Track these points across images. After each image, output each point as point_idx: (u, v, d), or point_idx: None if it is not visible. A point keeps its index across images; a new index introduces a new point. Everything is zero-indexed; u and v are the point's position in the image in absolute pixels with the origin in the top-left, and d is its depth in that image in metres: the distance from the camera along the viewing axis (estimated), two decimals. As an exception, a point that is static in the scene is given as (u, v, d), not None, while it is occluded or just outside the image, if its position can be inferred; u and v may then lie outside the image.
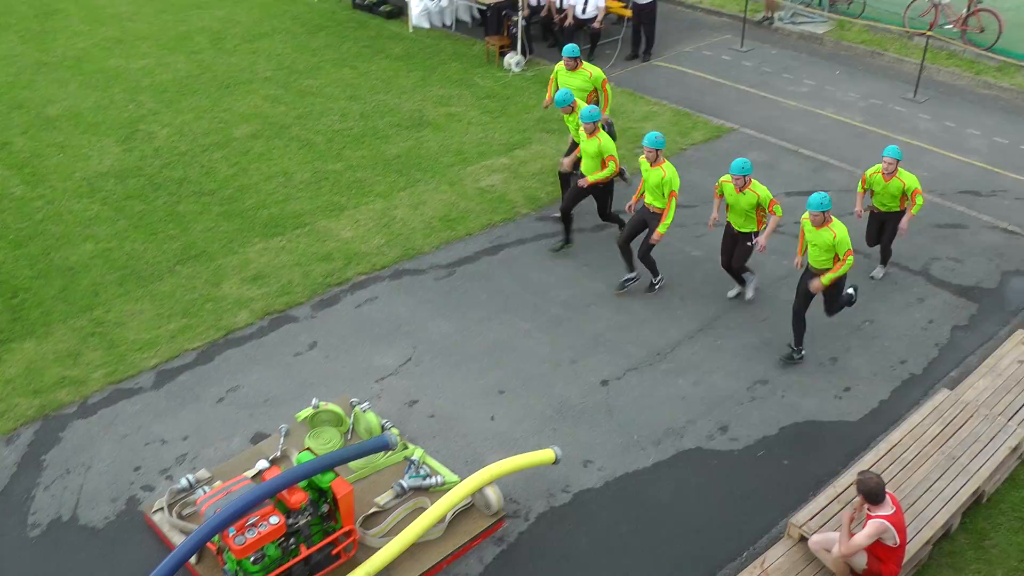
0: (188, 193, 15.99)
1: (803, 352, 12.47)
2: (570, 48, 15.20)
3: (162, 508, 10.16)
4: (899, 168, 13.20)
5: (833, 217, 11.70)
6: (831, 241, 11.65)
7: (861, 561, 9.06)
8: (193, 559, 9.61)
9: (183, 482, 10.30)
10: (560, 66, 15.38)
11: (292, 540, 9.34)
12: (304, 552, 9.28)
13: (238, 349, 12.52)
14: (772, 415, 11.68)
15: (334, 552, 9.46)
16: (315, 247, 14.47)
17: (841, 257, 11.69)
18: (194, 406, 11.55)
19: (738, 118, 18.76)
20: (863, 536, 8.86)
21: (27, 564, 9.96)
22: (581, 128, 13.74)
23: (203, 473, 10.49)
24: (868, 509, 8.93)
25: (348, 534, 9.53)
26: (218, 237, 14.76)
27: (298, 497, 9.21)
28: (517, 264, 14.28)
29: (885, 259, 14.15)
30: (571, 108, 14.21)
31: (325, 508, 9.57)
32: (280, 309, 13.16)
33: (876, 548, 8.94)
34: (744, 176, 12.49)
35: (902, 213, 13.47)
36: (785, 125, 18.56)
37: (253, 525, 8.91)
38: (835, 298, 12.36)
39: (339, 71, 20.67)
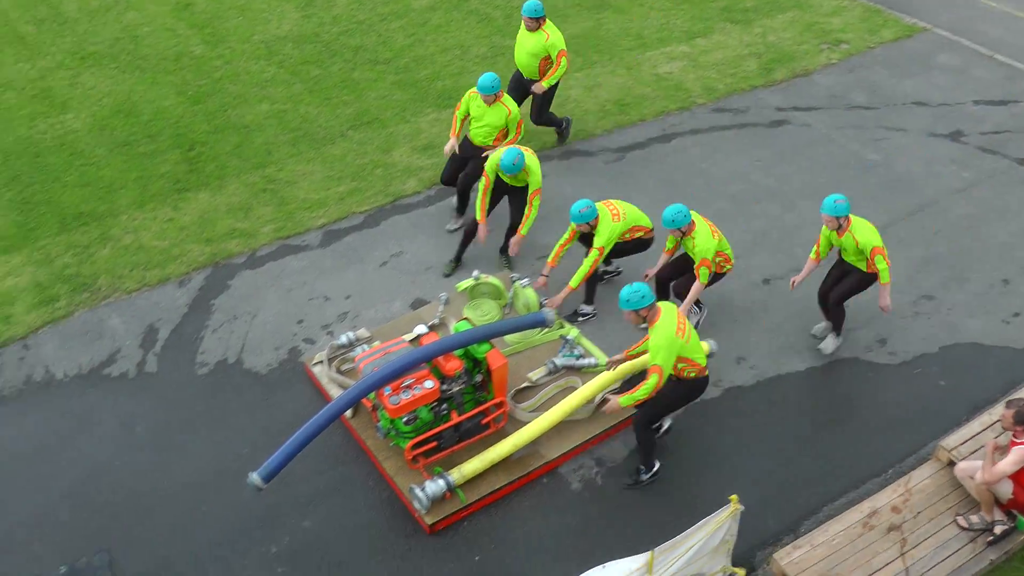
0: (363, 61, 16.11)
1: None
2: (531, 5, 12.97)
3: (322, 361, 10.50)
4: (851, 220, 10.22)
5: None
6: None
7: (1006, 490, 8.75)
8: (348, 413, 9.95)
9: (343, 339, 10.61)
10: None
11: (444, 406, 9.55)
12: (455, 419, 9.49)
13: (404, 216, 12.72)
14: (934, 333, 11.28)
15: (484, 422, 9.65)
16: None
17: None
18: (358, 267, 11.81)
19: (932, 17, 17.74)
20: (1007, 463, 8.54)
21: (194, 398, 10.61)
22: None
23: (363, 332, 10.78)
24: (1014, 436, 8.60)
25: (499, 405, 9.69)
26: (391, 105, 14.88)
27: (453, 364, 9.38)
28: (689, 153, 14.00)
29: (837, 324, 10.96)
30: (495, 97, 12.19)
31: (479, 378, 9.74)
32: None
33: (1022, 476, 8.64)
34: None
35: (872, 274, 10.45)
36: (982, 27, 17.49)
37: (408, 387, 9.15)
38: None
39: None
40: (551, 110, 13.81)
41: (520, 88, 13.44)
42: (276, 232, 12.64)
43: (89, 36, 17.39)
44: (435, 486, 9.08)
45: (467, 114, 12.33)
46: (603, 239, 10.61)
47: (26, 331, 11.61)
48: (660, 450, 9.72)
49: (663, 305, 9.13)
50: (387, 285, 11.70)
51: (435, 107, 14.81)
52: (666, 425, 9.92)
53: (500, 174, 11.48)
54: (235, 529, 9.34)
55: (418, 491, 9.03)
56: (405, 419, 9.29)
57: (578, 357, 10.47)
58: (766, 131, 14.48)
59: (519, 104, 13.01)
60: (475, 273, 11.09)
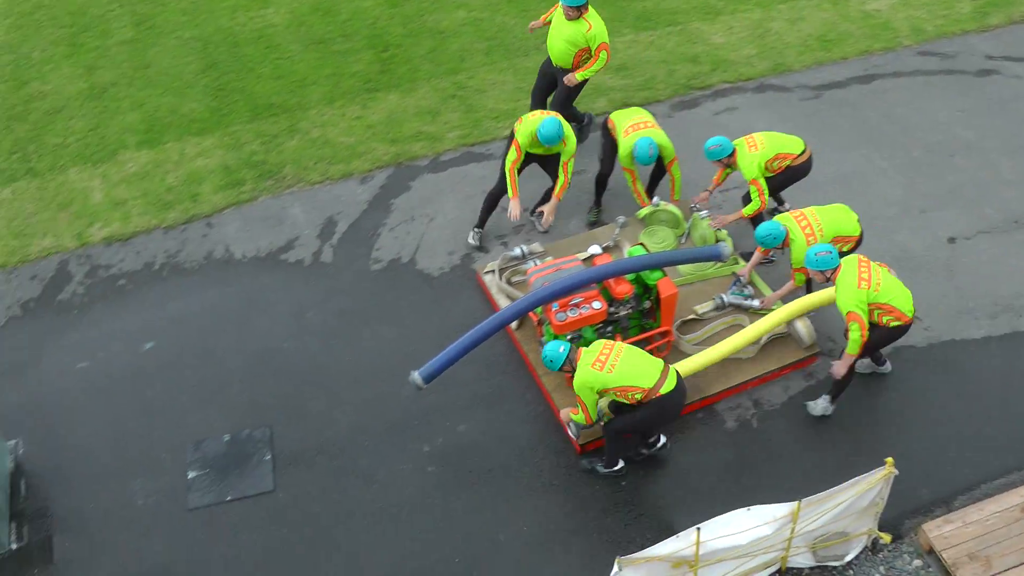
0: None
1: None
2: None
3: (493, 271, 10.57)
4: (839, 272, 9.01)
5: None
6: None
7: None
8: (514, 324, 10.01)
9: (516, 251, 10.64)
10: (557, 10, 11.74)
11: (610, 328, 9.52)
12: (618, 342, 9.42)
13: (591, 135, 12.57)
14: None
15: (647, 349, 9.50)
16: (684, 47, 14.09)
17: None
18: (539, 182, 11.68)
19: None
20: None
21: (366, 292, 10.93)
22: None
23: (536, 247, 10.79)
24: None
25: (664, 334, 9.59)
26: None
27: (624, 288, 9.30)
28: (888, 97, 13.34)
29: (838, 387, 9.45)
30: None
31: (647, 305, 9.64)
32: (638, 103, 12.95)
33: None
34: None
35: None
36: None
37: (576, 306, 9.12)
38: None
39: None
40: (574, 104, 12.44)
41: (548, 77, 12.01)
42: (461, 138, 12.72)
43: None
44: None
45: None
46: (749, 172, 10.27)
47: (211, 210, 12.10)
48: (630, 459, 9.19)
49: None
50: (566, 202, 11.58)
51: (632, 28, 14.49)
52: (662, 441, 9.23)
53: (533, 145, 10.74)
54: (391, 423, 9.58)
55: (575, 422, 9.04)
56: (569, 336, 9.28)
57: (747, 297, 10.23)
58: (972, 80, 13.65)
59: (546, 95, 12.09)
60: (655, 200, 10.93)
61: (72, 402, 10.11)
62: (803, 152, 10.55)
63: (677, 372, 8.66)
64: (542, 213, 11.05)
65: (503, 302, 10.26)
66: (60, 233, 12.10)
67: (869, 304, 8.72)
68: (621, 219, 10.96)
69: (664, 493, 8.98)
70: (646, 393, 8.40)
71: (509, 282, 10.51)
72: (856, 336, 8.68)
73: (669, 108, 12.95)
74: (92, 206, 12.43)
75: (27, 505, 9.30)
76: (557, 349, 8.51)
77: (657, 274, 9.44)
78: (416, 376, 8.75)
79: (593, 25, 11.35)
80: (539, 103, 12.09)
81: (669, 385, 8.45)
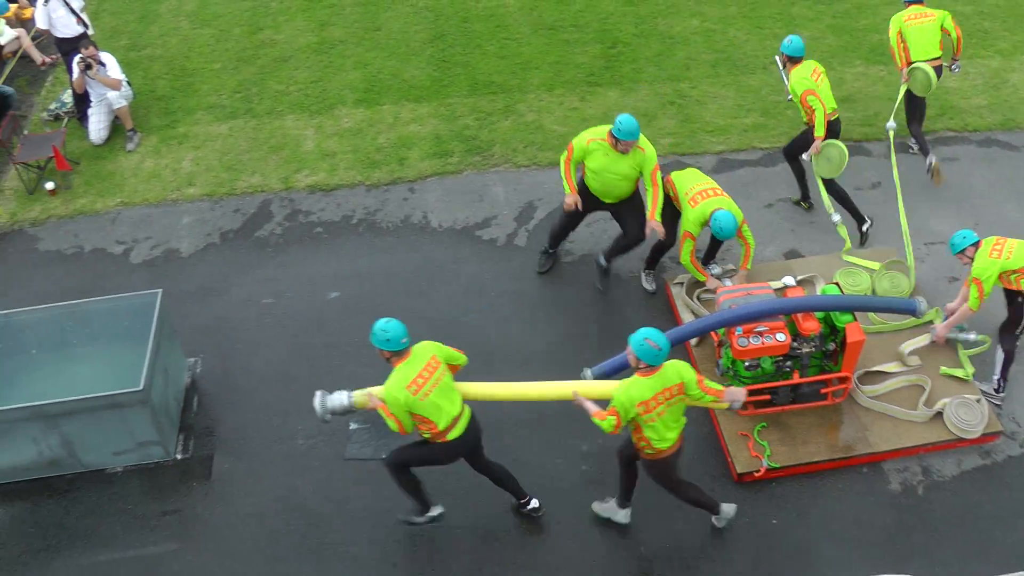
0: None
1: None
2: (630, 125, 9.76)
3: (682, 284, 10.39)
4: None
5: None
6: None
7: None
8: (694, 340, 9.82)
9: (715, 269, 10.45)
10: (597, 140, 10.06)
11: (789, 363, 9.24)
12: (795, 379, 9.15)
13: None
14: None
15: (823, 391, 9.25)
16: (912, 88, 13.58)
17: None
18: (742, 202, 11.36)
19: None
20: None
21: (554, 280, 11.04)
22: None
23: (731, 267, 10.56)
24: None
25: (843, 380, 9.24)
26: (821, 48, 14.23)
27: (811, 325, 9.01)
28: None
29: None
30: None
31: (831, 347, 9.30)
32: (857, 138, 12.55)
33: None
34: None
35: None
36: None
37: (760, 334, 8.89)
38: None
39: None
40: None
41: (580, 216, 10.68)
42: (673, 147, 12.57)
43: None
44: (338, 398, 8.28)
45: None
46: (976, 272, 9.20)
47: (415, 176, 12.34)
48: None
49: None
50: (767, 227, 11.36)
51: (864, 60, 14.04)
52: (534, 504, 8.80)
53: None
54: (552, 414, 9.50)
55: (321, 397, 8.27)
56: (747, 364, 9.06)
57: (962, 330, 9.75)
58: None
59: (573, 228, 10.88)
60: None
61: (252, 333, 10.48)
62: None
63: (472, 416, 8.20)
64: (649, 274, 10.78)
65: (686, 316, 10.08)
66: (268, 174, 12.54)
67: (1002, 272, 9.00)
68: (789, 279, 10.46)
69: (812, 540, 8.63)
70: (435, 434, 7.99)
71: (696, 298, 10.31)
72: (974, 294, 9.08)
73: (887, 149, 12.44)
74: (302, 153, 12.83)
75: (196, 421, 9.72)
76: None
77: (847, 317, 9.10)
78: (588, 373, 8.69)
79: (646, 148, 10.08)
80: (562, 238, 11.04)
81: (458, 430, 8.04)
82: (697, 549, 8.59)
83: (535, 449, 9.31)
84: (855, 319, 9.11)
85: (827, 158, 10.90)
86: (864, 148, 12.46)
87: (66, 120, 13.81)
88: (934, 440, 9.19)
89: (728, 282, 10.21)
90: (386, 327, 7.81)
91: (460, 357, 8.28)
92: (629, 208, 10.35)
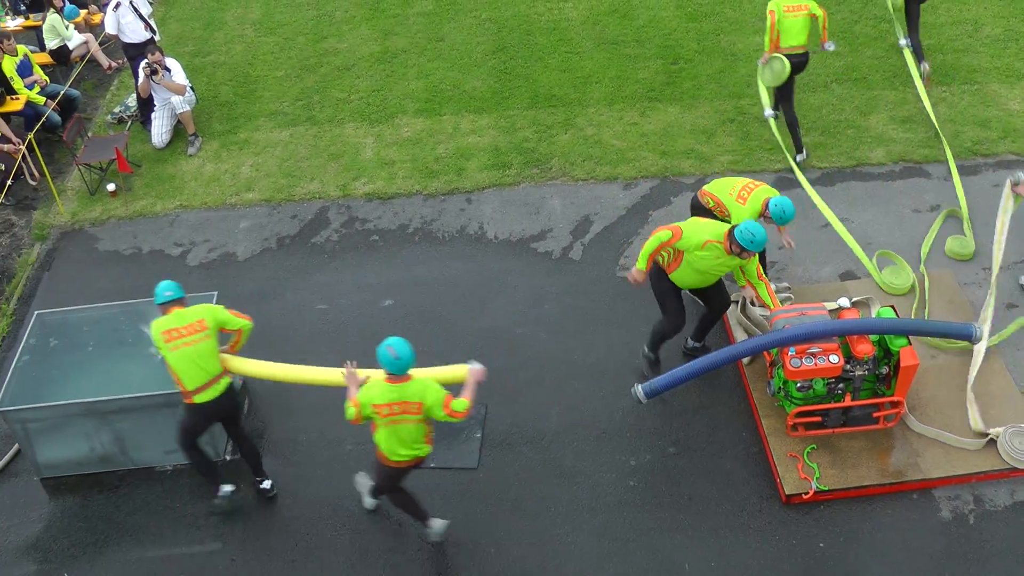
0: (869, 16, 15.30)
1: None
2: (762, 237, 9.01)
3: (737, 302, 10.33)
4: None
5: None
6: None
7: None
8: (746, 359, 9.77)
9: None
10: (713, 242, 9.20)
11: (841, 385, 9.15)
12: (847, 402, 9.08)
13: (861, 184, 12.12)
14: None
15: (875, 415, 9.16)
16: (976, 109, 13.33)
17: None
18: (800, 221, 11.36)
19: None
20: None
21: (608, 294, 10.97)
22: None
23: (784, 285, 10.49)
24: None
25: (895, 404, 9.13)
26: (884, 68, 14.08)
27: (865, 348, 8.92)
28: None
29: None
30: None
31: (884, 370, 9.20)
32: (917, 160, 12.43)
33: None
34: None
35: None
36: None
37: (814, 355, 8.83)
38: None
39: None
40: None
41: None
42: (731, 163, 12.51)
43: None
44: None
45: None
46: None
47: (473, 187, 12.41)
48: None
49: None
50: (824, 248, 11.26)
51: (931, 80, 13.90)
52: (266, 484, 9.21)
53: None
54: (602, 429, 9.53)
55: None
56: (799, 385, 9.00)
57: None
58: None
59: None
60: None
61: (305, 338, 10.61)
62: None
63: (231, 387, 8.63)
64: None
65: (739, 334, 10.03)
66: (326, 181, 12.69)
67: None
68: (844, 300, 10.27)
69: (860, 565, 8.49)
70: (184, 393, 8.43)
71: (749, 317, 10.25)
72: None
73: (947, 171, 12.30)
74: (361, 161, 12.96)
75: (246, 423, 9.79)
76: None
77: (902, 341, 9.00)
78: (639, 390, 8.71)
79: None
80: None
81: (208, 395, 8.44)
82: (742, 568, 8.52)
83: (583, 460, 9.31)
84: (910, 343, 9.01)
85: (771, 68, 11.97)
86: (923, 170, 12.31)
87: (129, 123, 14.09)
88: (987, 469, 9.03)
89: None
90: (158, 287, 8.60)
91: (237, 322, 8.71)
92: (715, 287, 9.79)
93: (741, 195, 9.80)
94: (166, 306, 8.58)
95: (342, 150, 13.22)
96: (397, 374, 7.79)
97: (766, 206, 9.62)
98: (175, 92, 13.23)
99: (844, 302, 9.79)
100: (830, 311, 9.54)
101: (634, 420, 9.56)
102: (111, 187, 12.79)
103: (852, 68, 14.13)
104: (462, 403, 7.92)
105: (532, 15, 15.73)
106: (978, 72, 14.00)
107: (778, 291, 10.42)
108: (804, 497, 8.86)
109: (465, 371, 8.38)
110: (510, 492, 9.08)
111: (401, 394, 7.78)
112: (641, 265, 9.24)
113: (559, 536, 8.78)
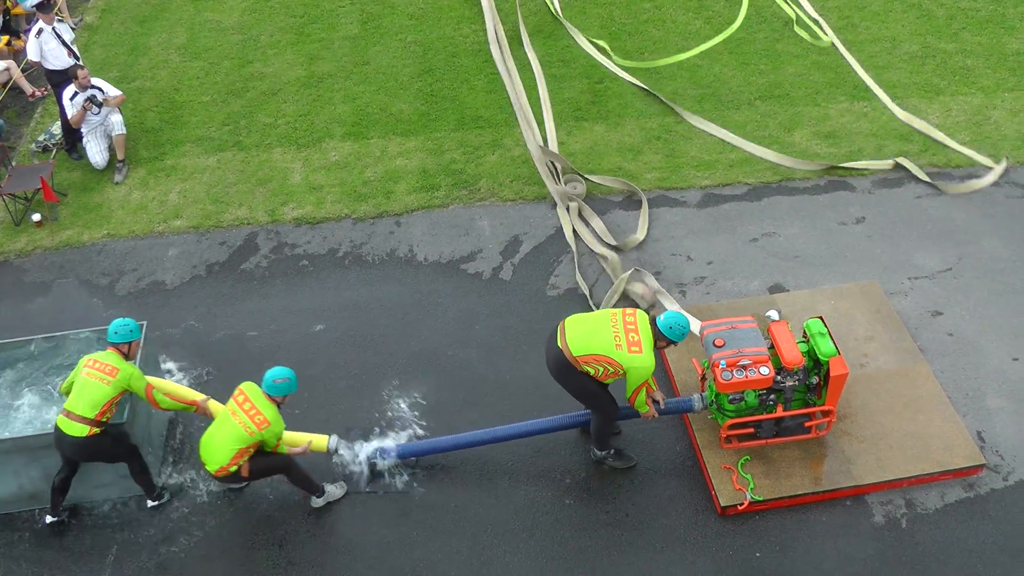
0: (791, 34, 15.58)
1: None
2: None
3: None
4: None
5: None
6: None
7: None
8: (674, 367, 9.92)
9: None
10: None
11: (772, 397, 9.22)
12: (779, 412, 9.15)
13: (788, 198, 12.30)
14: None
15: (807, 424, 9.26)
16: (897, 123, 13.61)
17: None
18: (728, 236, 11.60)
19: None
20: None
21: (539, 315, 10.94)
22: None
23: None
24: None
25: (827, 413, 9.24)
26: (805, 84, 14.37)
27: (795, 358, 9.00)
28: None
29: None
30: None
31: (814, 380, 9.31)
32: (841, 174, 12.66)
33: None
34: None
35: None
36: None
37: (744, 367, 8.88)
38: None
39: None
40: None
41: None
42: (658, 181, 12.62)
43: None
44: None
45: None
46: None
47: (402, 209, 12.39)
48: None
49: None
50: (752, 262, 11.40)
51: (849, 97, 14.13)
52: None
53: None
54: (537, 448, 9.54)
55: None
56: (731, 397, 9.06)
57: None
58: None
59: None
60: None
61: (236, 366, 10.43)
62: None
63: (87, 440, 8.63)
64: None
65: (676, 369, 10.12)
66: (255, 207, 12.58)
67: None
68: (773, 313, 10.40)
69: (798, 573, 8.58)
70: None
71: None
72: None
73: (871, 184, 12.53)
74: (289, 186, 12.87)
75: (179, 453, 9.75)
76: None
77: (831, 350, 9.11)
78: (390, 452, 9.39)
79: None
80: None
81: (66, 426, 8.57)
82: (681, 581, 8.57)
83: (520, 481, 9.32)
84: (838, 352, 9.13)
85: None
86: (848, 183, 12.52)
87: (55, 152, 13.84)
88: (918, 473, 9.20)
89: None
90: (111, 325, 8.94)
91: (141, 394, 8.90)
92: None
93: (621, 344, 8.56)
94: (113, 345, 8.85)
95: (270, 175, 13.11)
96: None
97: (658, 333, 8.68)
98: (119, 103, 13.25)
99: (773, 315, 9.88)
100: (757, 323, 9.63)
101: (568, 438, 9.57)
102: (36, 217, 12.55)
103: (775, 85, 14.35)
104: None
105: (457, 37, 15.76)
106: (898, 87, 14.30)
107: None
108: (739, 508, 8.93)
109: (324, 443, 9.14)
110: (447, 514, 9.04)
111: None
112: (643, 408, 8.98)
113: (496, 557, 8.75)
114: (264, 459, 8.77)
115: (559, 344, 8.69)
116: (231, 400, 8.68)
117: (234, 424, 8.53)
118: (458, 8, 16.54)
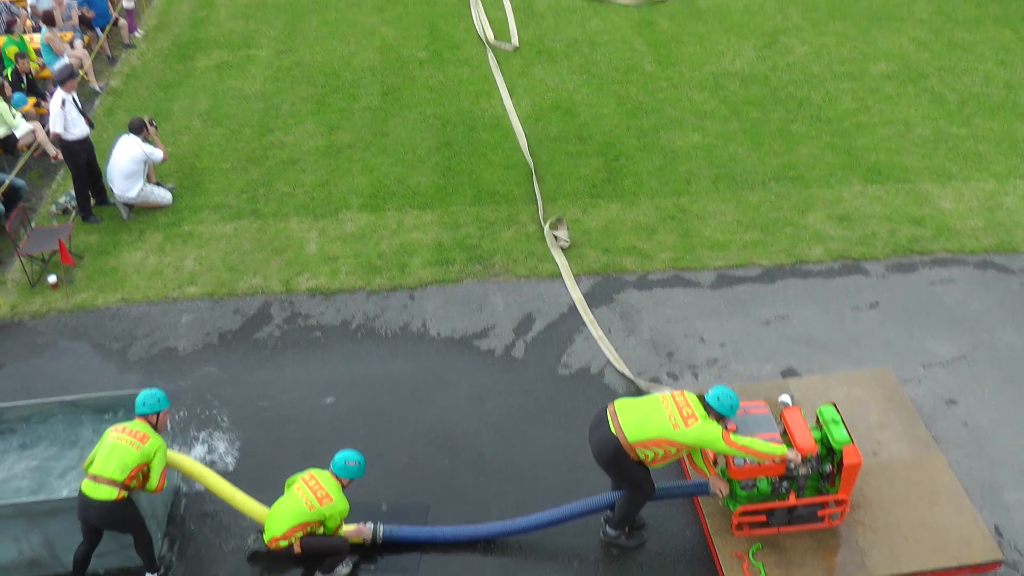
0: (805, 115, 15.79)
1: None
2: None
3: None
4: None
5: None
6: None
7: None
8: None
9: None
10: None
11: (785, 484, 9.15)
12: (792, 500, 9.06)
13: (801, 281, 12.33)
14: None
15: (820, 513, 9.15)
16: (910, 207, 13.70)
17: None
18: (741, 319, 11.59)
19: None
20: None
21: (550, 393, 10.93)
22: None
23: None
24: None
25: (840, 502, 9.15)
26: (819, 166, 14.48)
27: (808, 445, 8.95)
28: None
29: None
30: None
31: (828, 468, 9.24)
32: (854, 257, 12.71)
33: None
34: None
35: None
36: None
37: (756, 453, 8.83)
38: None
39: (999, 30, 18.92)
40: None
41: None
42: (672, 261, 12.67)
43: (550, 33, 18.40)
44: None
45: None
46: None
47: (416, 283, 12.42)
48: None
49: None
50: (764, 344, 11.40)
51: (862, 179, 14.23)
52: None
53: None
54: (548, 529, 9.37)
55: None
56: (743, 483, 9.01)
57: None
58: None
59: None
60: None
61: (243, 435, 10.44)
62: None
63: (115, 504, 8.57)
64: None
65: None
66: (269, 275, 12.62)
67: None
68: (786, 398, 10.40)
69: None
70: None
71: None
72: None
73: (884, 269, 12.56)
74: (305, 256, 12.93)
75: (182, 523, 9.65)
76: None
77: (845, 437, 9.06)
78: (380, 529, 9.27)
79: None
80: None
81: (91, 490, 8.53)
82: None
83: (527, 562, 9.20)
84: (852, 440, 9.07)
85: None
86: (862, 267, 12.54)
87: (74, 214, 13.95)
88: (934, 567, 9.07)
89: None
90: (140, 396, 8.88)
91: (156, 477, 8.79)
92: None
93: (684, 419, 8.60)
94: (142, 416, 8.84)
95: (286, 244, 13.18)
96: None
97: (708, 407, 8.64)
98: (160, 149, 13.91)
99: (786, 399, 9.86)
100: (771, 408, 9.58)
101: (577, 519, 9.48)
102: (52, 279, 12.62)
103: (789, 166, 14.45)
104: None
105: (476, 111, 15.93)
106: (911, 172, 14.38)
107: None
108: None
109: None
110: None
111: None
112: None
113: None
114: (321, 539, 8.86)
115: (612, 431, 8.66)
116: (299, 480, 8.96)
117: (297, 499, 8.76)
118: (477, 83, 16.78)
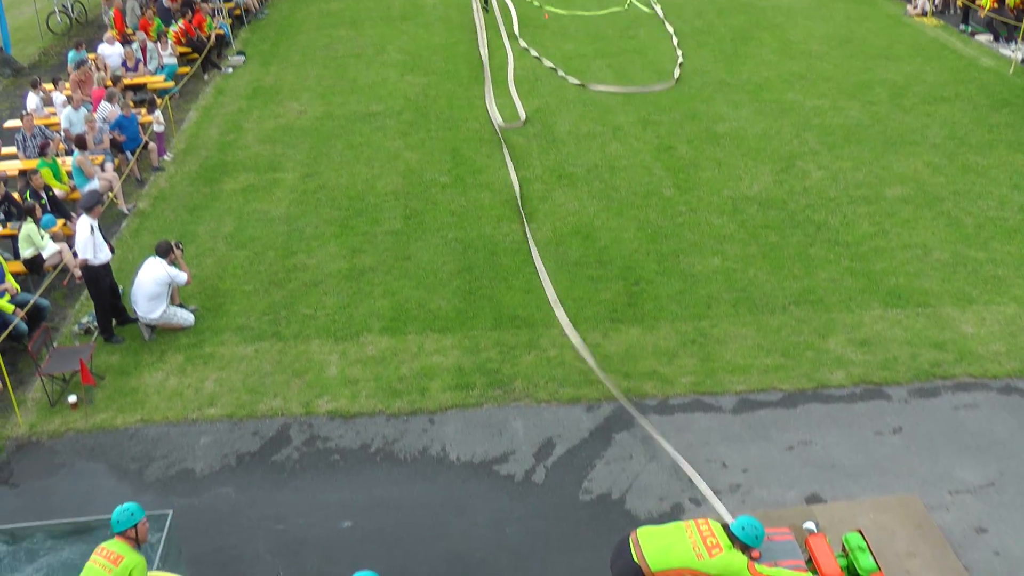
0: (823, 239, 15.88)
1: None
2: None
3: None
4: None
5: None
6: None
7: None
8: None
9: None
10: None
11: (811, 611, 8.98)
12: (818, 629, 8.89)
13: (823, 406, 12.23)
14: None
15: (843, 644, 8.97)
16: (931, 332, 13.66)
17: None
18: (763, 444, 11.49)
19: None
20: None
21: (571, 519, 10.75)
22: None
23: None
24: None
25: (867, 632, 8.97)
26: (839, 290, 14.50)
27: (834, 573, 8.81)
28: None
29: None
30: None
31: (853, 595, 9.09)
32: (876, 382, 12.62)
33: None
34: None
35: None
36: None
37: (780, 579, 8.69)
38: None
39: (1012, 155, 19.09)
40: None
41: None
42: (693, 385, 12.62)
43: (571, 158, 18.72)
44: None
45: None
46: None
47: (436, 407, 12.37)
48: None
49: None
50: (788, 470, 11.25)
51: (882, 303, 14.21)
52: None
53: None
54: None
55: None
56: (766, 610, 8.82)
57: None
58: None
59: None
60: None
61: (260, 559, 10.33)
62: None
63: None
64: None
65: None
66: (289, 398, 12.62)
67: None
68: (811, 525, 10.31)
69: None
70: None
71: None
72: None
73: (907, 393, 12.45)
74: (325, 379, 12.94)
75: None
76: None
77: (872, 565, 8.92)
78: None
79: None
80: None
81: None
82: None
83: None
84: (879, 569, 8.91)
85: None
86: (884, 392, 12.45)
87: (96, 334, 14.05)
88: None
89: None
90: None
91: None
92: None
93: (708, 549, 8.56)
94: (119, 534, 8.72)
95: (306, 367, 13.21)
96: None
97: (733, 537, 8.60)
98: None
99: (811, 526, 9.73)
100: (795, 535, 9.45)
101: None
102: (72, 399, 12.66)
103: (808, 290, 14.48)
104: None
105: (497, 236, 16.10)
106: (931, 295, 14.38)
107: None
108: None
109: None
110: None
111: None
112: None
113: None
114: None
115: (635, 559, 8.54)
116: None
117: None
118: (498, 207, 17.00)
